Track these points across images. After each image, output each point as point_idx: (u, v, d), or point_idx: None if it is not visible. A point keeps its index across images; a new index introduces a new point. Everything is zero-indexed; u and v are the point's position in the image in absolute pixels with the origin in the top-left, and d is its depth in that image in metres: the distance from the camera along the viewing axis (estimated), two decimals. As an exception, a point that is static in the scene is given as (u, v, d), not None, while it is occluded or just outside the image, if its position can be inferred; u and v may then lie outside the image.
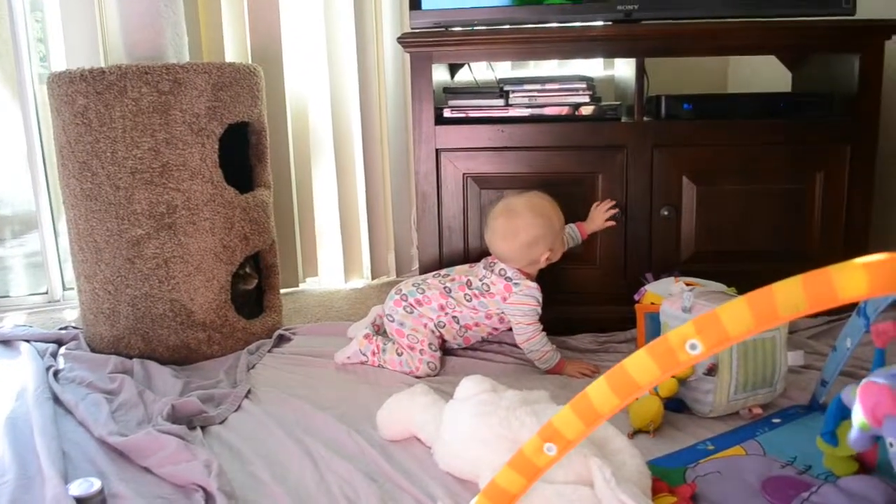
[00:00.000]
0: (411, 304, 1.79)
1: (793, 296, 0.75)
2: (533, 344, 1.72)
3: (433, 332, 1.77)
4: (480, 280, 1.78)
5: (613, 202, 1.92)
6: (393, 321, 1.80)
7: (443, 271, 1.86)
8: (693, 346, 0.79)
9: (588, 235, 1.91)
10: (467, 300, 1.77)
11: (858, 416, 0.86)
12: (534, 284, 1.75)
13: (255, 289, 2.12)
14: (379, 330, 1.88)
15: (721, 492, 1.14)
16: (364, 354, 1.79)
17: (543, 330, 1.74)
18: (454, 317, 1.77)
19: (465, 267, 1.86)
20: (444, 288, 1.78)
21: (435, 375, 1.73)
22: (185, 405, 1.52)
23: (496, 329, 1.82)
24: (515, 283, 1.74)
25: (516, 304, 1.74)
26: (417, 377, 1.72)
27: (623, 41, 1.94)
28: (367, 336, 1.81)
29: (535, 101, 1.99)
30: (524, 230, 1.71)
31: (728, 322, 0.77)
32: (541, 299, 1.75)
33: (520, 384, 1.52)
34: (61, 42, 2.35)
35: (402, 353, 1.76)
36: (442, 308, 1.77)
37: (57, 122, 1.87)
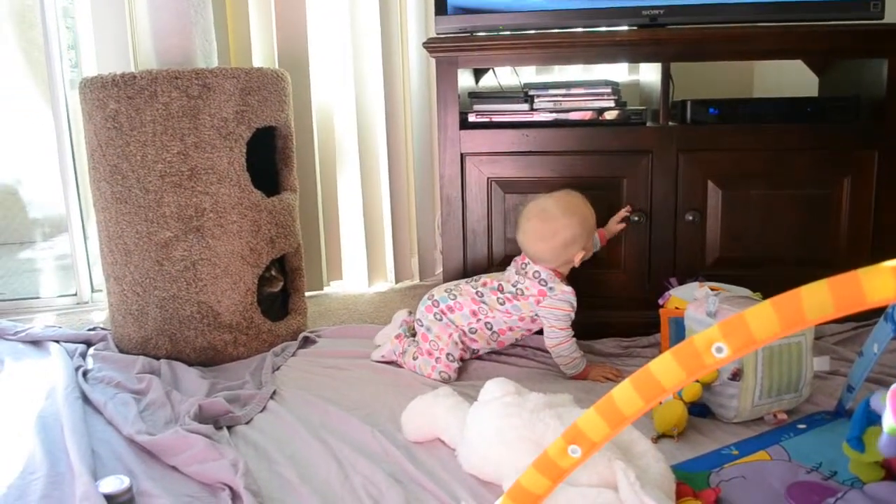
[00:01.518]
0: (442, 311, 1.79)
1: (820, 299, 0.75)
2: (563, 349, 1.72)
3: (457, 343, 1.76)
4: (513, 285, 1.77)
5: (628, 207, 1.93)
6: (422, 326, 1.81)
7: (474, 277, 1.87)
8: (719, 350, 0.79)
9: (607, 242, 1.91)
10: (500, 304, 1.77)
11: (889, 421, 0.85)
12: (569, 289, 1.74)
13: (280, 292, 2.14)
14: (411, 330, 1.90)
15: (745, 496, 1.14)
16: (395, 353, 1.84)
17: (574, 336, 1.74)
18: (487, 323, 1.77)
19: (495, 274, 1.86)
20: (476, 293, 1.78)
21: (448, 383, 1.72)
22: (211, 405, 1.54)
23: (529, 330, 1.81)
24: (550, 288, 1.74)
25: (550, 308, 1.73)
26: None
27: (648, 46, 1.94)
28: (398, 336, 1.85)
29: (559, 105, 2.00)
30: (561, 231, 1.71)
31: (754, 325, 0.77)
32: (575, 304, 1.74)
33: (544, 387, 1.53)
34: (92, 48, 2.39)
35: (417, 358, 1.77)
36: (474, 314, 1.77)
37: (88, 127, 1.91)
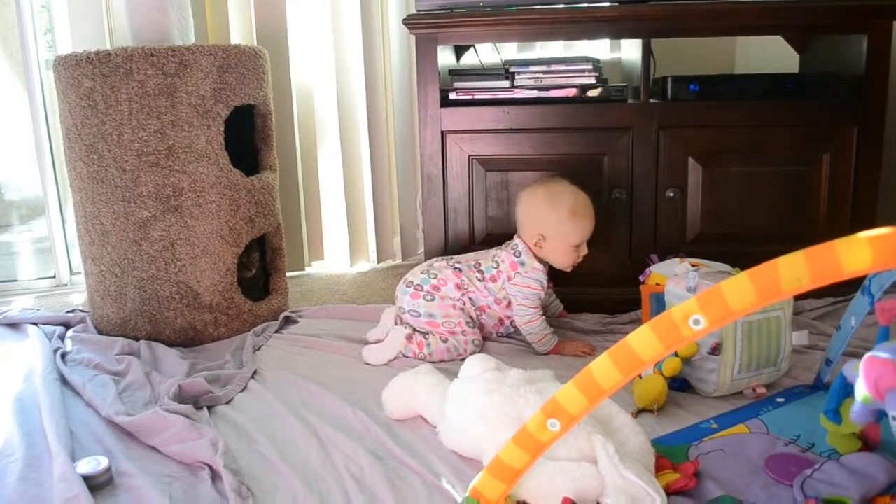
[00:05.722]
0: (429, 292, 1.75)
1: (796, 270, 0.75)
2: (532, 327, 1.73)
3: (463, 310, 1.75)
4: (492, 259, 1.78)
5: (589, 348, 1.76)
6: (420, 315, 1.75)
7: (445, 257, 1.86)
8: (696, 322, 0.79)
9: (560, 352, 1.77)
10: (479, 280, 1.77)
11: (861, 390, 0.86)
12: (540, 266, 1.75)
13: (261, 272, 2.13)
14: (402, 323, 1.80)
15: (724, 469, 1.14)
16: (406, 356, 1.72)
17: (543, 314, 1.75)
18: (470, 297, 1.76)
19: (470, 254, 1.86)
20: (455, 268, 1.78)
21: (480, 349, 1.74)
22: (191, 386, 1.53)
23: (507, 318, 1.80)
24: (522, 263, 1.75)
25: (520, 286, 1.74)
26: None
27: (629, 21, 1.93)
28: (408, 337, 1.73)
29: (540, 82, 1.99)
30: (531, 204, 1.76)
31: (731, 297, 0.78)
32: (545, 284, 1.75)
33: (524, 363, 1.53)
34: (67, 26, 2.35)
35: (447, 340, 1.72)
36: (458, 287, 1.75)
37: (63, 106, 1.88)
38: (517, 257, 1.75)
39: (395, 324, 1.80)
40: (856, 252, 0.73)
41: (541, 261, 1.77)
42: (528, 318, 1.73)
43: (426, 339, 1.73)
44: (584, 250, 1.77)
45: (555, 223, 1.73)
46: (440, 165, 2.00)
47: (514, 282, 1.74)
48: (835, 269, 0.74)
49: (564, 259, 1.76)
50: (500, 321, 1.81)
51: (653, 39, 1.94)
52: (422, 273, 1.79)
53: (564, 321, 1.90)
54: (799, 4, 1.90)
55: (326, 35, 2.55)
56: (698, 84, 1.95)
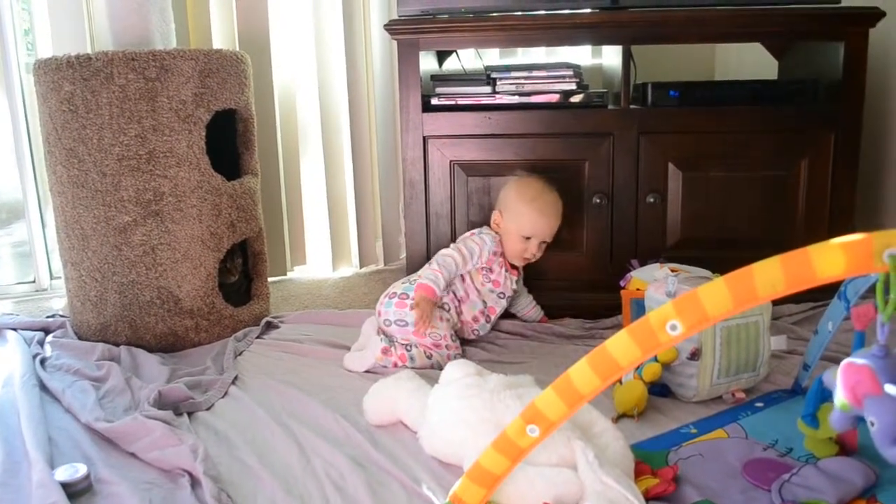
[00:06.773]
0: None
1: (771, 276, 0.76)
2: (440, 262, 1.75)
3: (448, 321, 1.75)
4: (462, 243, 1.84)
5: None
6: (407, 325, 1.73)
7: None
8: (673, 327, 0.80)
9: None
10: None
11: (839, 397, 0.87)
12: (495, 236, 1.82)
13: (242, 277, 2.12)
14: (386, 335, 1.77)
15: (702, 473, 1.15)
16: (385, 367, 1.68)
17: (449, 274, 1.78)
18: (453, 290, 1.78)
19: None
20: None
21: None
22: (171, 391, 1.52)
23: (480, 313, 1.81)
24: (480, 231, 1.85)
25: (465, 237, 1.84)
26: None
27: (610, 28, 1.94)
28: (384, 350, 1.69)
29: (522, 88, 1.99)
30: (507, 184, 1.88)
31: (707, 302, 0.78)
32: (491, 250, 1.80)
33: (504, 369, 1.53)
34: (48, 29, 2.34)
35: (431, 356, 1.71)
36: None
37: (43, 109, 1.87)
38: (478, 232, 1.85)
39: (377, 334, 1.78)
40: (829, 258, 0.74)
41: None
42: (443, 260, 1.76)
43: (408, 351, 1.70)
44: (534, 250, 1.81)
45: (512, 204, 1.81)
46: (422, 171, 2.01)
47: (464, 237, 1.84)
48: (809, 275, 0.75)
49: (513, 245, 1.82)
50: (481, 314, 1.82)
51: (633, 46, 1.96)
52: (403, 283, 1.80)
53: (545, 327, 1.91)
54: (777, 12, 1.92)
55: (309, 40, 2.55)
56: (678, 90, 1.96)
